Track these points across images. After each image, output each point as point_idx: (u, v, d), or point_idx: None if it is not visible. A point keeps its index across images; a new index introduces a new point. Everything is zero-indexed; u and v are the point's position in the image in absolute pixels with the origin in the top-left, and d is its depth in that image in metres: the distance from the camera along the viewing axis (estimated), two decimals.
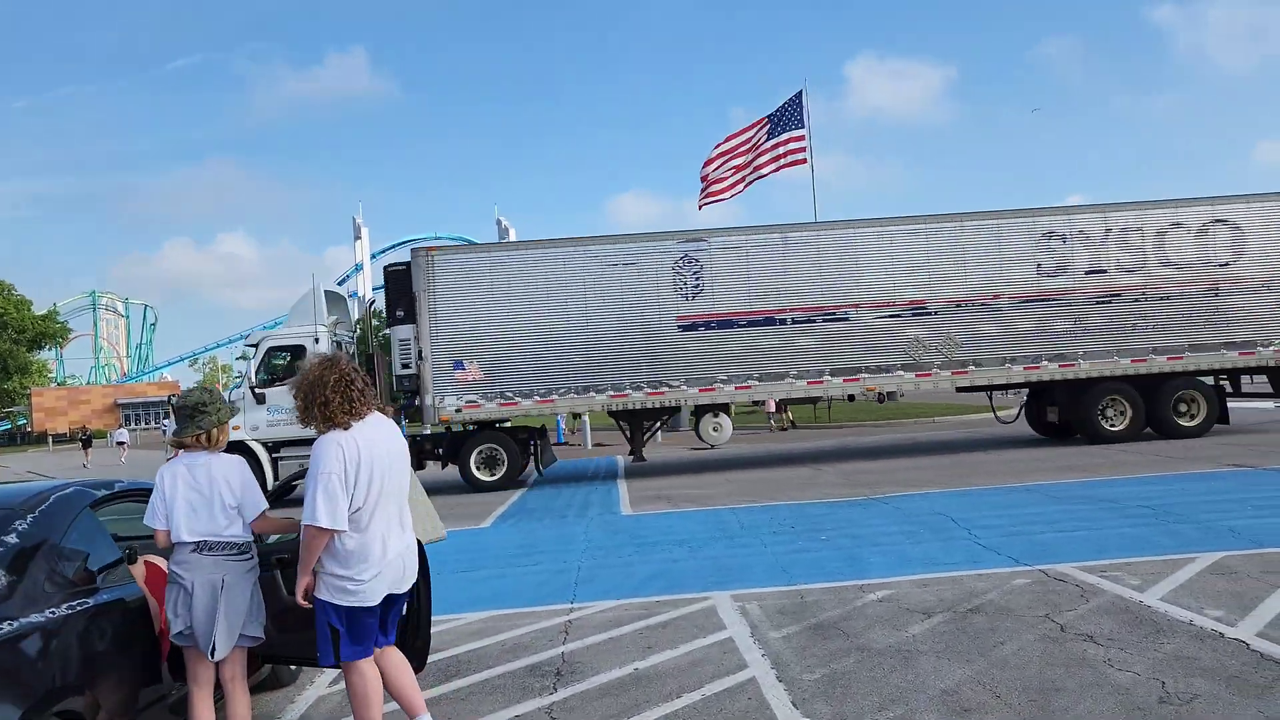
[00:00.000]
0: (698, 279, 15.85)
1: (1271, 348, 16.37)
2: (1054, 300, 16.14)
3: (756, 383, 15.85)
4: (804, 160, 67.43)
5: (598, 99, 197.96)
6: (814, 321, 15.91)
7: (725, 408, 16.57)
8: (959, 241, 16.18)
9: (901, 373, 16.02)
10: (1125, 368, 16.14)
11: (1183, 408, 16.43)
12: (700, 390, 15.86)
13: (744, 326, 15.76)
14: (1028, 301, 16.14)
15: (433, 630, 6.41)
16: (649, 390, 15.74)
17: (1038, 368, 16.12)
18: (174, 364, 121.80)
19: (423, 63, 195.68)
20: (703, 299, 15.82)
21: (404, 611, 4.39)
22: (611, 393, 15.65)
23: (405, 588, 4.12)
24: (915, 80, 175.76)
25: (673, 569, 7.89)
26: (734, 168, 64.16)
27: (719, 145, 63.46)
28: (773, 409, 29.10)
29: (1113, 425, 16.30)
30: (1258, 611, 5.47)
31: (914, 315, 16.02)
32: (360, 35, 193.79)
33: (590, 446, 25.48)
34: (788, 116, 66.55)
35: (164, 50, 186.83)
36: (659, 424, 17.66)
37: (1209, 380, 16.74)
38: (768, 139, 65.34)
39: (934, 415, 27.29)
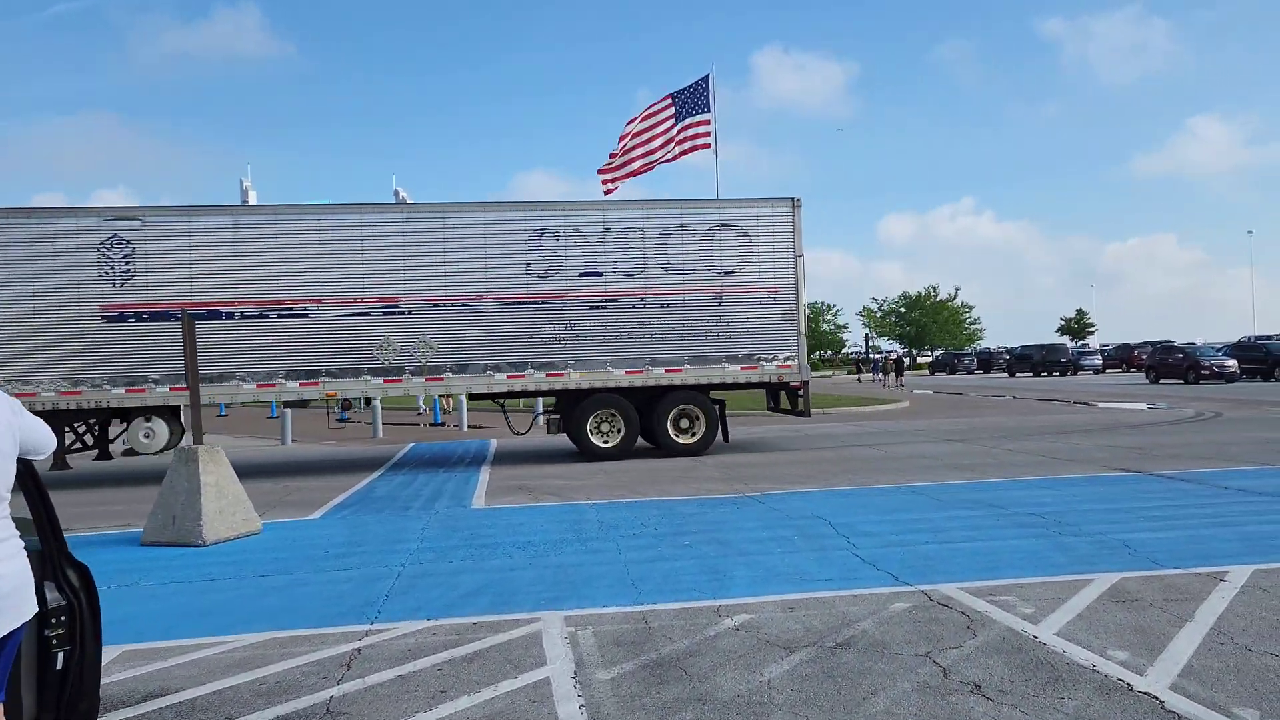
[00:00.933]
0: (128, 263, 14.09)
1: (774, 363, 15.57)
2: (544, 304, 14.92)
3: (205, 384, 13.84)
4: (708, 145, 67.01)
5: (503, 73, 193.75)
6: (267, 317, 14.38)
7: (161, 411, 14.61)
8: (441, 235, 14.73)
9: (369, 378, 14.53)
10: (619, 379, 15.12)
11: (684, 423, 15.51)
12: (128, 390, 14.12)
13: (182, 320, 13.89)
14: (515, 304, 14.86)
15: (178, 661, 5.07)
16: (62, 390, 13.98)
17: (522, 376, 14.83)
18: None
19: (320, 25, 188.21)
20: (134, 286, 14.12)
21: (20, 658, 3.08)
22: (19, 391, 13.60)
23: (11, 624, 2.79)
24: (818, 75, 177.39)
25: (507, 579, 6.76)
26: (639, 150, 63.40)
27: (629, 124, 62.64)
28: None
29: (606, 441, 15.24)
30: (1167, 653, 4.65)
31: (385, 314, 14.59)
32: None
33: (465, 428, 24.11)
34: (693, 101, 65.88)
35: None
36: (84, 435, 15.53)
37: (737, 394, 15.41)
38: (674, 124, 64.78)
39: (824, 406, 26.79)
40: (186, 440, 12.11)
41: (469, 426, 24.51)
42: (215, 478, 8.91)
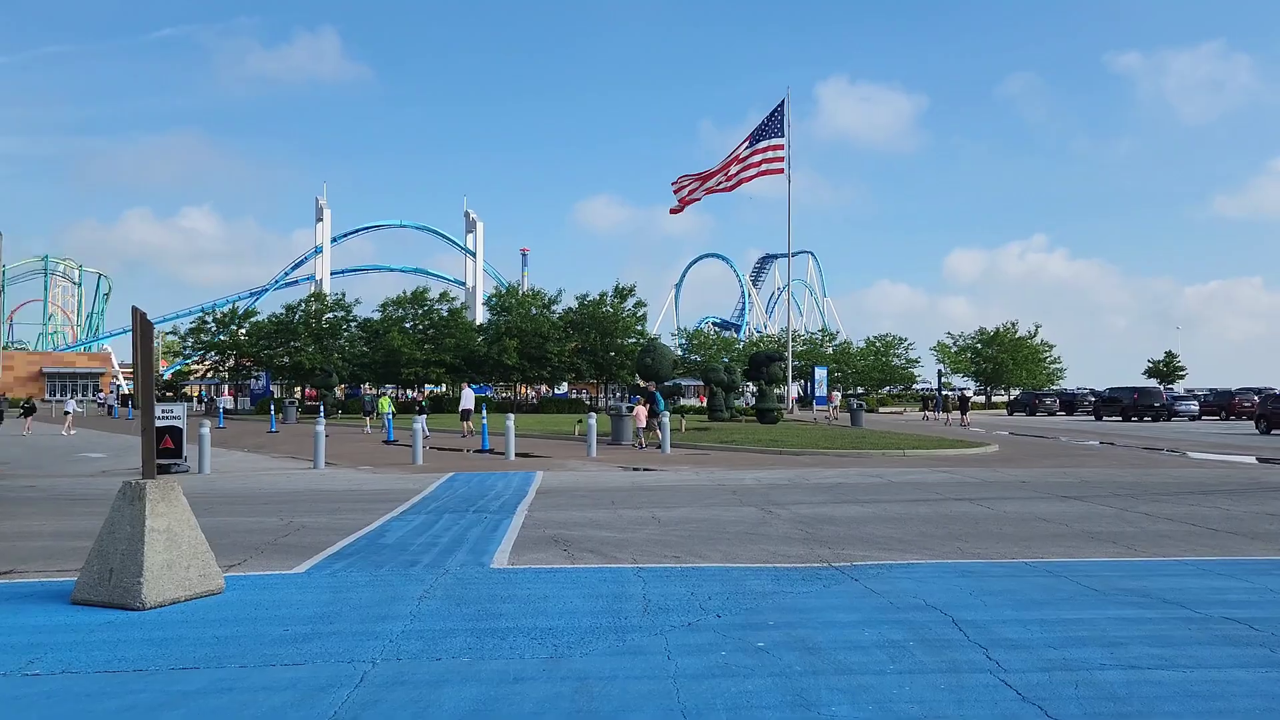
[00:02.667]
0: None
1: None
2: None
3: None
4: (781, 170, 64.52)
5: (571, 100, 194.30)
6: None
7: None
8: None
9: None
10: None
11: None
12: None
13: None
14: None
15: None
16: None
17: None
18: (116, 336, 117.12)
19: (396, 50, 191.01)
20: None
21: None
22: None
23: None
24: (884, 106, 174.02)
25: (506, 701, 4.74)
26: (710, 174, 61.28)
27: (708, 170, 60.81)
28: (642, 423, 26.53)
29: None
30: None
31: None
32: (333, 17, 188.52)
33: (512, 457, 22.24)
34: (768, 125, 63.69)
35: (145, 19, 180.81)
36: None
37: None
38: (748, 146, 62.54)
39: (904, 447, 24.37)
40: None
41: (516, 455, 22.64)
42: (167, 522, 7.06)
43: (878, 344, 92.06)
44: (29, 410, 40.50)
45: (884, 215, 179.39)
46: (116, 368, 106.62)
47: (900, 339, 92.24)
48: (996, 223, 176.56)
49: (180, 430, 19.33)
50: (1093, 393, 69.89)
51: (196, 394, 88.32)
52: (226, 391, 78.72)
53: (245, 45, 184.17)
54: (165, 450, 19.23)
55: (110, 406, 69.81)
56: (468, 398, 33.18)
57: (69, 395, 74.67)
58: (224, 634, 6.06)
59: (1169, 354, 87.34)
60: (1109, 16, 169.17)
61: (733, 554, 9.13)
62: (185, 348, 67.84)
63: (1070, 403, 67.65)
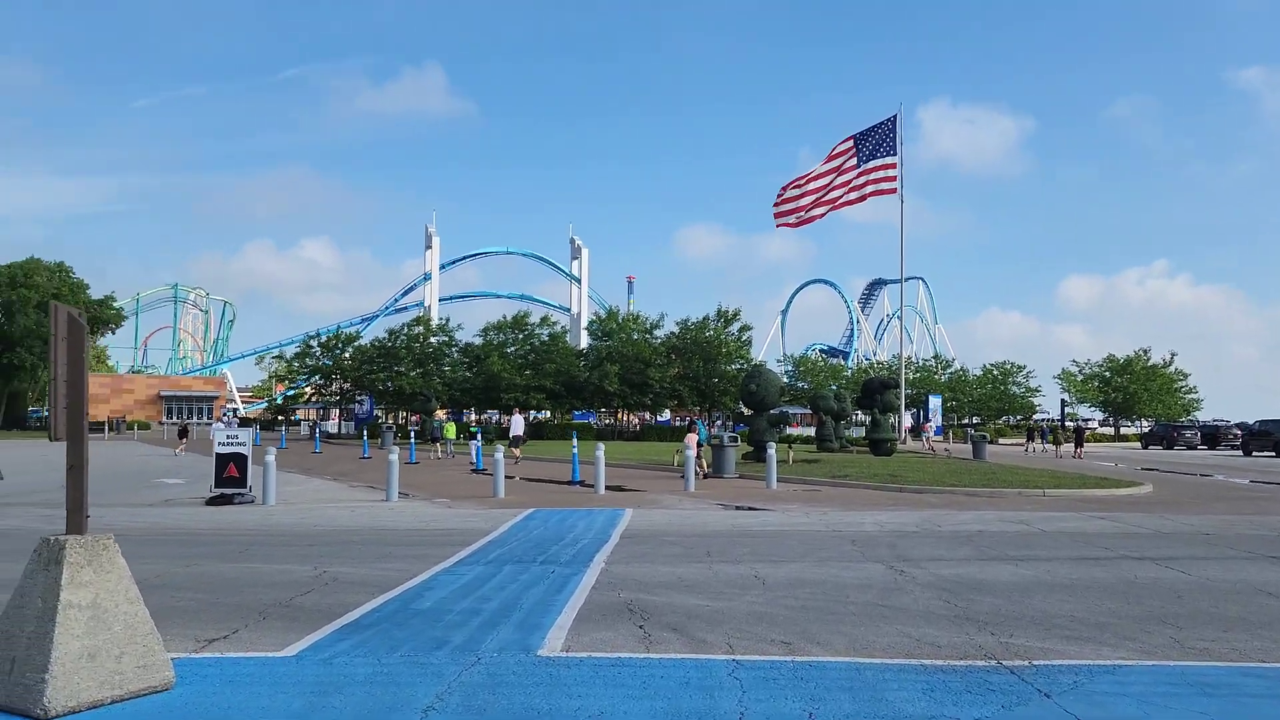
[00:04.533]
0: None
1: None
2: None
3: None
4: (894, 190, 61.01)
5: (670, 129, 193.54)
6: None
7: None
8: None
9: None
10: None
11: None
12: None
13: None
14: None
15: None
16: None
17: None
18: (236, 360, 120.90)
19: (499, 84, 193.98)
20: None
21: None
22: None
23: None
24: (989, 129, 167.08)
25: None
26: (816, 190, 58.24)
27: (808, 174, 57.78)
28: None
29: None
30: None
31: None
32: (438, 54, 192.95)
33: (602, 491, 20.24)
34: (878, 142, 60.34)
35: (272, 61, 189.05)
36: None
37: None
38: (856, 165, 59.28)
39: (1042, 486, 21.42)
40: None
41: (607, 488, 20.63)
42: (92, 594, 5.25)
43: (995, 371, 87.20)
44: (183, 432, 42.17)
45: (992, 242, 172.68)
46: (233, 391, 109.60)
47: (1019, 366, 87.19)
48: (1112, 248, 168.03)
49: (245, 458, 18.01)
50: (1237, 425, 64.18)
51: (306, 418, 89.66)
52: (335, 415, 79.46)
53: (355, 84, 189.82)
54: (230, 479, 17.95)
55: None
56: (517, 424, 35.30)
57: (186, 418, 76.62)
58: None
59: None
60: (1227, 30, 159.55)
61: (861, 639, 6.84)
62: (291, 372, 68.44)
63: (1213, 436, 62.11)
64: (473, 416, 72.94)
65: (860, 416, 66.28)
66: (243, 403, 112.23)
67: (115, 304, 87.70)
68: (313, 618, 7.45)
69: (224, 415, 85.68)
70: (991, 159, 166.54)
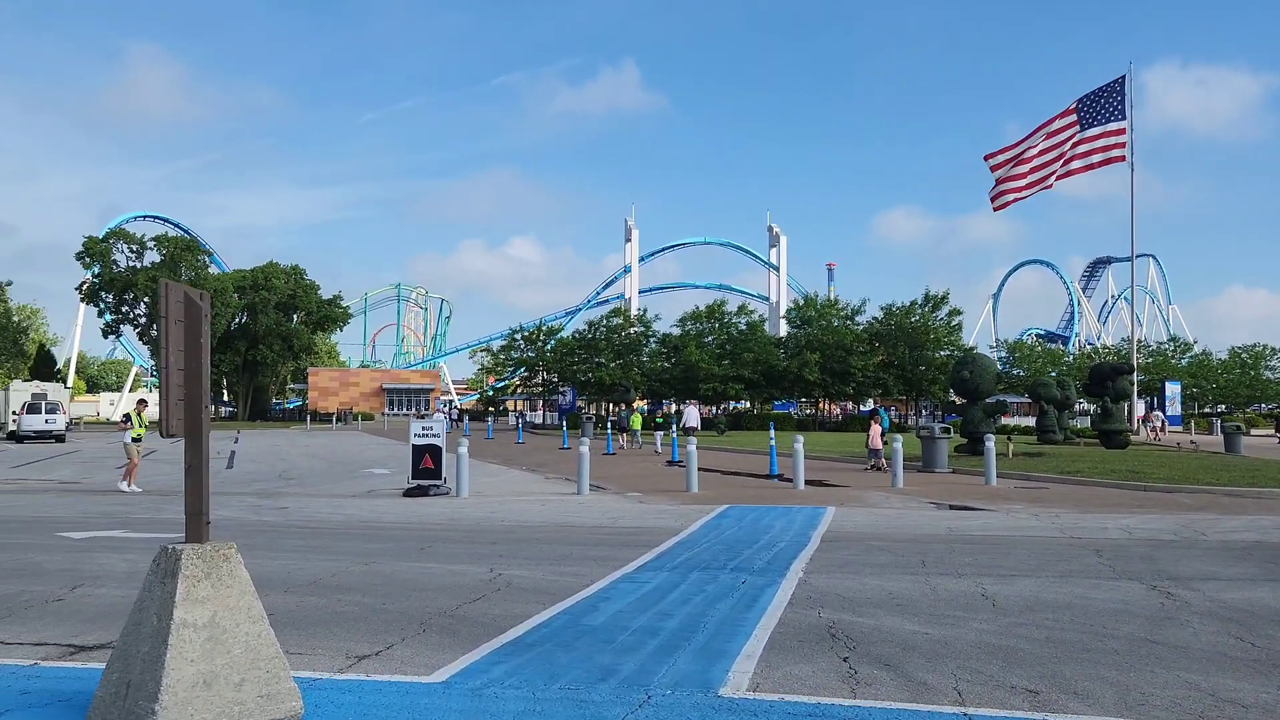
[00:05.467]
0: None
1: None
2: None
3: None
4: (1123, 158, 55.23)
5: (867, 109, 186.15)
6: None
7: None
8: None
9: None
10: None
11: None
12: None
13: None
14: None
15: None
16: None
17: None
18: (451, 354, 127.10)
19: (691, 75, 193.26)
20: None
21: None
22: None
23: None
24: (1224, 89, 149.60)
25: None
26: (1034, 166, 53.65)
27: (1021, 142, 53.29)
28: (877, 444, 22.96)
29: None
30: None
31: None
32: (632, 51, 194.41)
33: (801, 486, 18.96)
34: (1104, 107, 54.86)
35: (483, 70, 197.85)
36: None
37: None
38: (1079, 131, 54.08)
39: None
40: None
41: (806, 483, 19.33)
42: (210, 612, 4.63)
43: (1244, 355, 78.51)
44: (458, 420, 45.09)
45: (1231, 212, 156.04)
46: (448, 383, 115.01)
47: (1274, 349, 78.12)
48: None
49: (439, 449, 17.96)
50: None
51: (514, 409, 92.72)
52: (541, 406, 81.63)
53: (553, 86, 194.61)
54: (425, 470, 17.96)
55: (451, 420, 74.32)
56: (691, 415, 38.35)
57: (414, 410, 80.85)
58: None
59: None
60: None
61: (1133, 690, 5.36)
62: (498, 364, 70.70)
63: None
64: (672, 407, 72.93)
65: (1083, 406, 61.23)
66: (457, 394, 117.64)
67: (343, 303, 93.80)
68: (475, 631, 6.72)
69: (439, 406, 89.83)
70: (1228, 123, 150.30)
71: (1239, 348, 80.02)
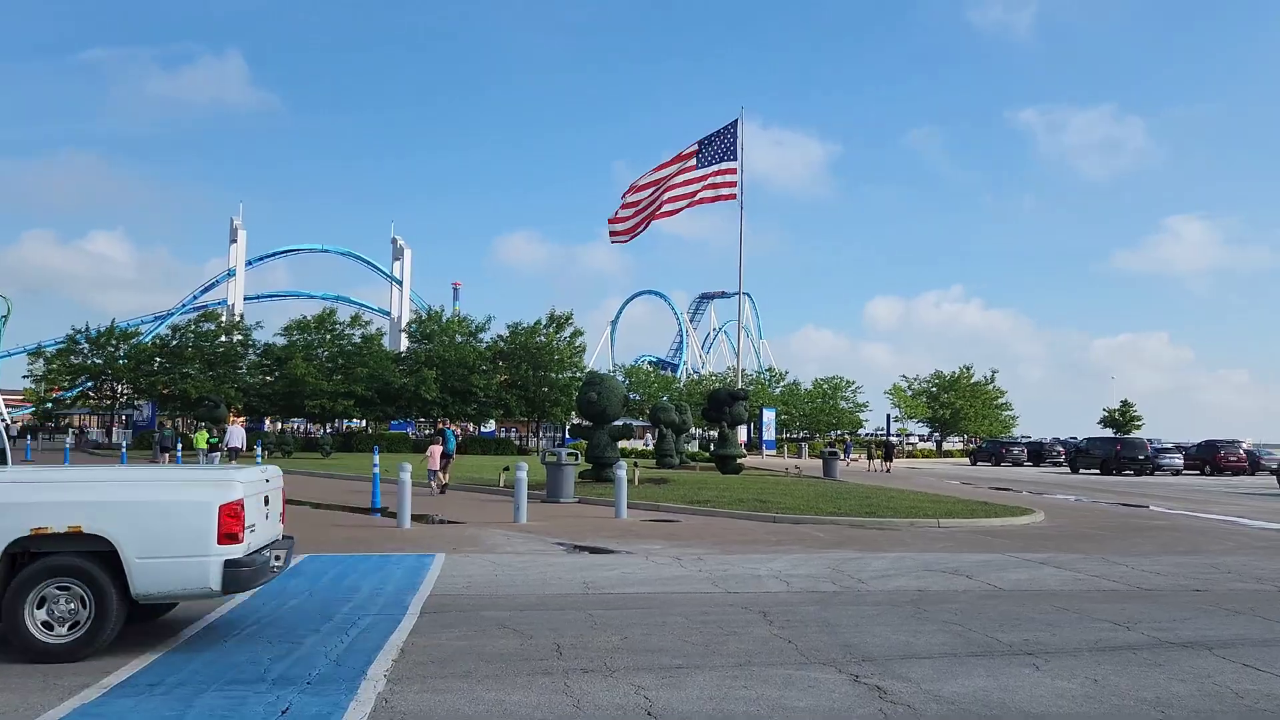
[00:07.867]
0: None
1: None
2: None
3: None
4: (734, 196, 58.02)
5: (489, 130, 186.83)
6: None
7: None
8: None
9: None
10: None
11: None
12: None
13: None
14: None
15: None
16: None
17: None
18: (3, 358, 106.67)
19: (304, 76, 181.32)
20: None
21: None
22: None
23: None
24: (798, 150, 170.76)
25: None
26: (651, 198, 54.70)
27: (649, 174, 54.08)
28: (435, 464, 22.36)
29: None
30: None
31: None
32: (238, 43, 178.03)
33: (407, 524, 15.72)
34: (719, 146, 57.49)
35: (69, 42, 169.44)
36: None
37: None
38: (697, 168, 56.06)
39: (933, 515, 18.40)
40: None
41: (413, 518, 16.12)
42: None
43: (825, 386, 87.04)
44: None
45: (806, 261, 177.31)
46: None
47: (849, 381, 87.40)
48: (913, 271, 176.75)
49: None
50: (1059, 442, 65.52)
51: (79, 425, 79.21)
52: (116, 423, 69.70)
53: (146, 69, 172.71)
54: None
55: None
56: (234, 435, 34.25)
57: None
58: None
59: (1125, 403, 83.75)
60: (1006, 72, 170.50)
61: None
62: (52, 372, 58.96)
63: (1038, 452, 63.14)
64: (279, 425, 65.59)
65: (696, 431, 63.72)
66: (8, 406, 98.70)
67: None
68: None
69: None
70: (801, 181, 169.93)
71: (821, 379, 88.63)
